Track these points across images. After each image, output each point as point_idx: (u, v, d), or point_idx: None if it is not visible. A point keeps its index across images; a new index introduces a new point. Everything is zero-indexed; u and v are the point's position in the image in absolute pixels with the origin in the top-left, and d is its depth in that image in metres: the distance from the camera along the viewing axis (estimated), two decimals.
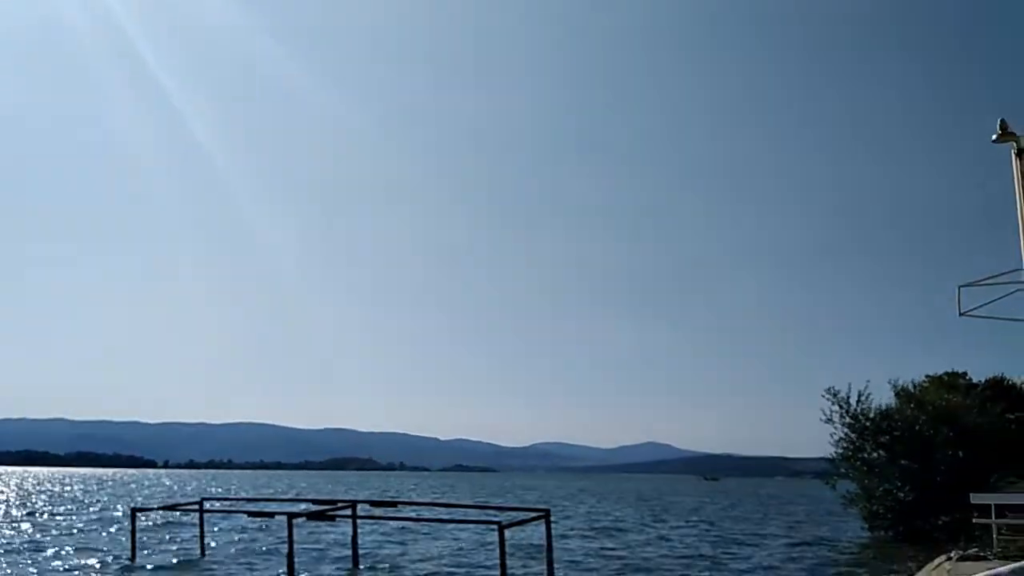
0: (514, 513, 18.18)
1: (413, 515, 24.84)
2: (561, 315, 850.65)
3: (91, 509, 40.09)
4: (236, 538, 24.06)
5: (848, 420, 27.04)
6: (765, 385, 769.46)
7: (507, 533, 14.88)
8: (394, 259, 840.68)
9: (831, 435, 27.62)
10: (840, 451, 27.69)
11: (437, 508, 24.62)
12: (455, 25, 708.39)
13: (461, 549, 21.74)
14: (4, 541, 23.10)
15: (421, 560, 19.57)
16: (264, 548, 21.64)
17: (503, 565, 14.51)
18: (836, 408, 27.12)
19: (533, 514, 17.32)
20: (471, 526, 23.05)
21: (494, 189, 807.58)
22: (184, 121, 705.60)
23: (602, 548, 22.59)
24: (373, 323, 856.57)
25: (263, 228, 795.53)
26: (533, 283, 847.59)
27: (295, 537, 16.10)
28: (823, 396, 27.35)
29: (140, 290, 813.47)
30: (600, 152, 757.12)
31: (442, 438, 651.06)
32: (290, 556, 16.05)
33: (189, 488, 76.45)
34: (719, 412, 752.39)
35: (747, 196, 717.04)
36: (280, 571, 16.90)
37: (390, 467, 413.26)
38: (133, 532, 19.50)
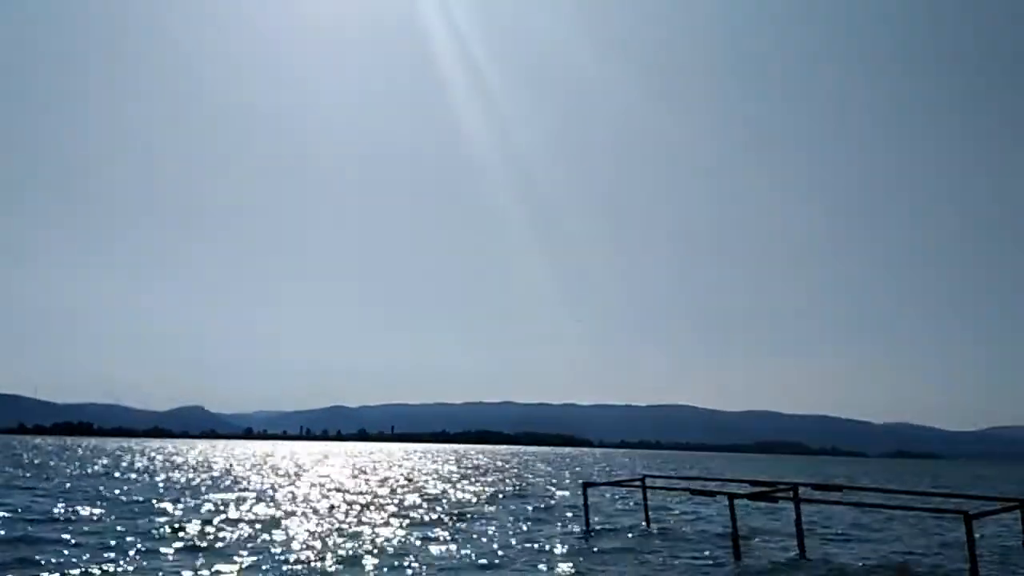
0: (983, 503, 15.99)
1: (860, 501, 23.05)
2: (1008, 271, 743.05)
3: (549, 484, 43.96)
4: (678, 514, 24.72)
5: None
6: None
7: (976, 525, 12.97)
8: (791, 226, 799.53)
9: None
10: None
11: (889, 494, 22.59)
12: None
13: (918, 544, 19.80)
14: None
15: (867, 553, 18.15)
16: (706, 526, 21.87)
17: (972, 561, 12.75)
18: None
19: (1008, 503, 15.04)
20: (928, 516, 20.99)
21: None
22: (510, 127, 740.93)
23: None
24: (783, 296, 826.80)
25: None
26: (962, 235, 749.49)
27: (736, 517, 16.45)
28: None
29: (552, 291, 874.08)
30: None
31: (876, 421, 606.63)
32: (735, 533, 16.37)
33: (628, 465, 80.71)
34: None
35: None
36: (726, 548, 16.94)
37: (821, 452, 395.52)
38: (586, 503, 21.21)
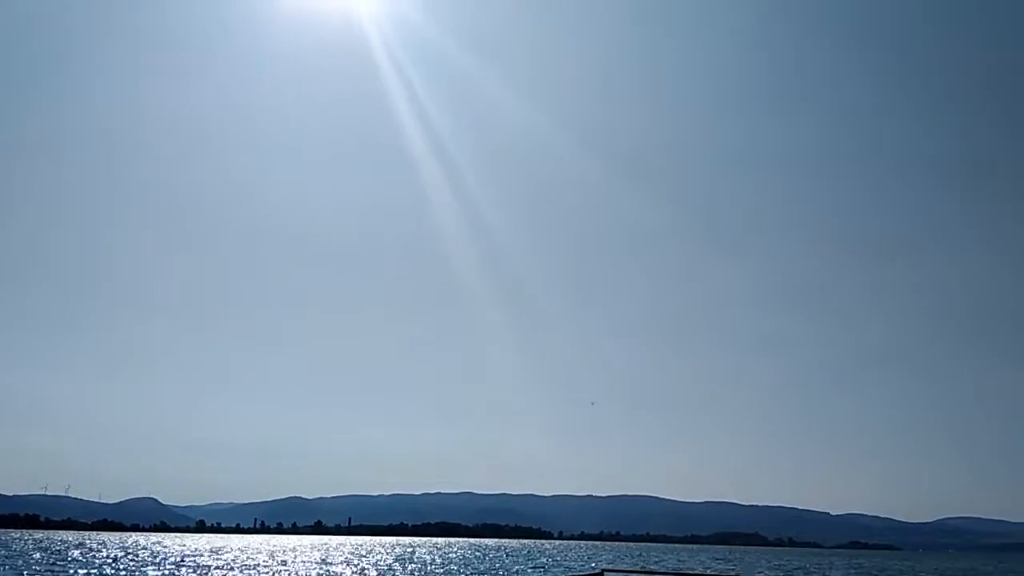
0: None
1: None
2: (968, 362, 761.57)
3: None
4: None
5: None
6: None
7: None
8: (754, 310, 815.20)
9: None
10: None
11: None
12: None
13: None
14: None
15: None
16: None
17: None
18: None
19: None
20: None
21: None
22: (480, 210, 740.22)
23: None
24: (745, 387, 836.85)
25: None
26: (904, 330, 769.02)
27: None
28: None
29: (498, 372, 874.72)
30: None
31: (833, 512, 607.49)
32: None
33: (588, 557, 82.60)
34: None
35: None
36: None
37: (778, 542, 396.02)
38: None
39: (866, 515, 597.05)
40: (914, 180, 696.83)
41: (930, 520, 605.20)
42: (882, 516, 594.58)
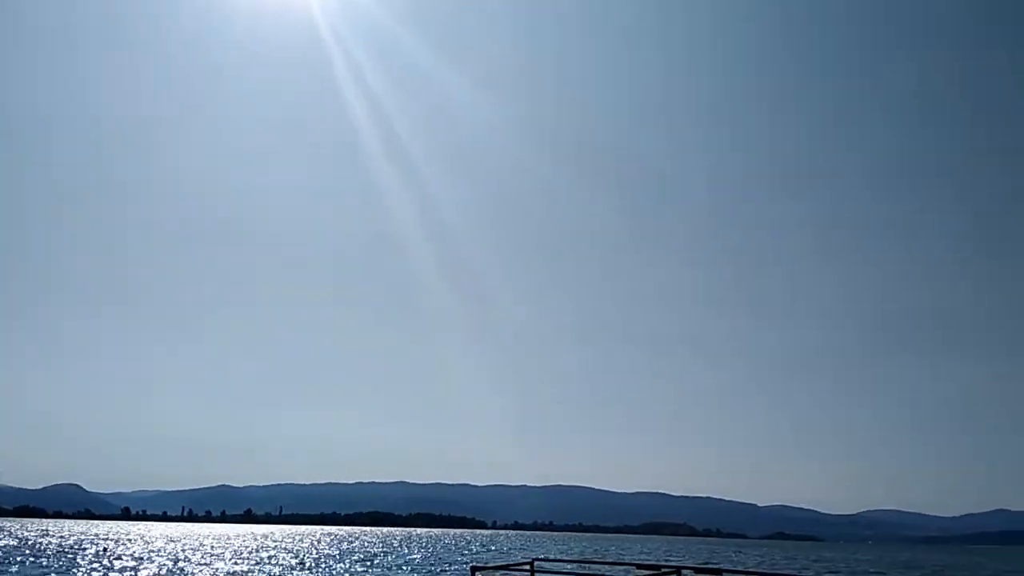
0: None
1: None
2: (887, 362, 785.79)
3: (436, 566, 45.87)
4: None
5: None
6: None
7: None
8: (677, 311, 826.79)
9: None
10: None
11: None
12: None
13: None
14: None
15: None
16: None
17: None
18: None
19: None
20: None
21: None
22: (433, 198, 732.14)
23: None
24: (680, 383, 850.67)
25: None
26: (830, 330, 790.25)
27: None
28: None
29: (450, 365, 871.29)
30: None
31: (760, 504, 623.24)
32: None
33: (520, 547, 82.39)
34: None
35: None
36: None
37: (706, 533, 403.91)
38: None
39: (791, 507, 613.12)
40: (852, 184, 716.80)
41: (851, 512, 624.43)
42: (806, 508, 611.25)
